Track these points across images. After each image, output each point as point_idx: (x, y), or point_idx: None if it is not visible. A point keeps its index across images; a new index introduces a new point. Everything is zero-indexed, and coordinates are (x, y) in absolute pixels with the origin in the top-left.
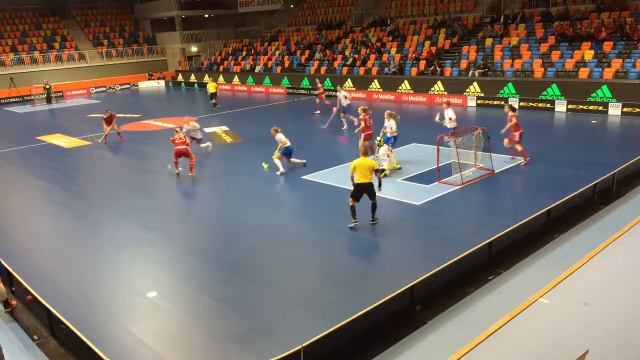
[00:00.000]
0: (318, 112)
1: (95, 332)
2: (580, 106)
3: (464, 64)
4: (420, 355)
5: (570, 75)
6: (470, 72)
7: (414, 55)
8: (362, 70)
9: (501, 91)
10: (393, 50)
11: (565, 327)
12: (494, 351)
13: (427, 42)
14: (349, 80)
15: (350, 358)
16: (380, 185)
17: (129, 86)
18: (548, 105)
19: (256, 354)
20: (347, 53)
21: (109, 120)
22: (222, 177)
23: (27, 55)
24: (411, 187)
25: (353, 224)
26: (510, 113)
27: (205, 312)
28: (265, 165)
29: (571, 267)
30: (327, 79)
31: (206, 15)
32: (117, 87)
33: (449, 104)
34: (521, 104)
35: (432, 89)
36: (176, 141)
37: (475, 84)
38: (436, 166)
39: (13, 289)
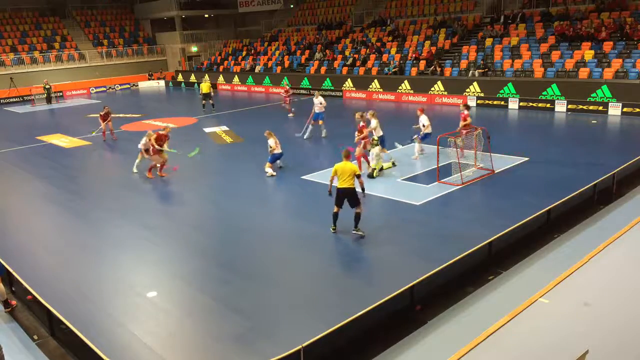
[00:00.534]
0: (291, 114)
1: (95, 332)
2: (580, 106)
3: (464, 64)
4: (420, 355)
5: (570, 75)
6: (470, 72)
7: (414, 55)
8: (362, 70)
9: (501, 91)
10: (393, 50)
11: (565, 327)
12: (494, 351)
13: (427, 42)
14: (349, 80)
15: (350, 358)
16: (363, 190)
17: (129, 86)
18: (548, 105)
19: (256, 354)
20: (347, 53)
21: (105, 117)
22: (222, 177)
23: (27, 55)
24: (411, 187)
25: (332, 229)
26: (466, 112)
27: (205, 312)
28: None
29: (571, 267)
30: (328, 78)
31: (206, 15)
32: (117, 87)
33: (422, 111)
34: (521, 104)
35: (432, 89)
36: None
37: (475, 84)
38: (436, 166)
39: (13, 289)
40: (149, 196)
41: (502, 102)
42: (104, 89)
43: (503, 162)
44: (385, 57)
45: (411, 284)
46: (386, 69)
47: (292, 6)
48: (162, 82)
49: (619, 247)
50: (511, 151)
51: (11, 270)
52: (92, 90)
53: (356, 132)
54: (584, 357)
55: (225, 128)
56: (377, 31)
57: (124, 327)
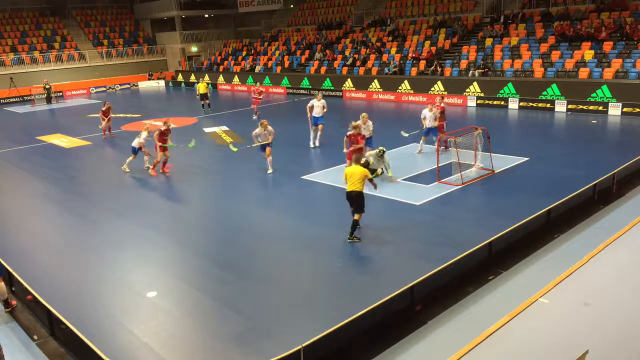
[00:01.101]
0: (255, 117)
1: (95, 332)
2: (580, 106)
3: (464, 64)
4: (420, 355)
5: (570, 75)
6: (470, 72)
7: (414, 55)
8: (362, 70)
9: (501, 91)
10: (393, 50)
11: (565, 327)
12: (494, 351)
13: (427, 42)
14: (349, 80)
15: (350, 358)
16: (375, 187)
17: (129, 86)
18: (548, 105)
19: (256, 354)
20: (347, 53)
21: (106, 113)
22: (222, 176)
23: (27, 55)
24: (411, 187)
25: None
26: (442, 104)
27: (205, 312)
28: (233, 149)
29: (571, 267)
30: (328, 78)
31: (206, 15)
32: (117, 87)
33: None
34: (521, 104)
35: (432, 89)
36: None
37: (475, 84)
38: (436, 166)
39: (13, 289)
40: (149, 196)
41: (502, 102)
42: (104, 89)
43: (503, 162)
44: (385, 57)
45: (411, 284)
46: (386, 69)
47: (292, 6)
48: (162, 82)
49: (619, 247)
50: (511, 151)
51: (11, 270)
52: (92, 90)
53: (346, 138)
54: (584, 357)
55: (225, 128)
56: (377, 31)
57: (124, 327)
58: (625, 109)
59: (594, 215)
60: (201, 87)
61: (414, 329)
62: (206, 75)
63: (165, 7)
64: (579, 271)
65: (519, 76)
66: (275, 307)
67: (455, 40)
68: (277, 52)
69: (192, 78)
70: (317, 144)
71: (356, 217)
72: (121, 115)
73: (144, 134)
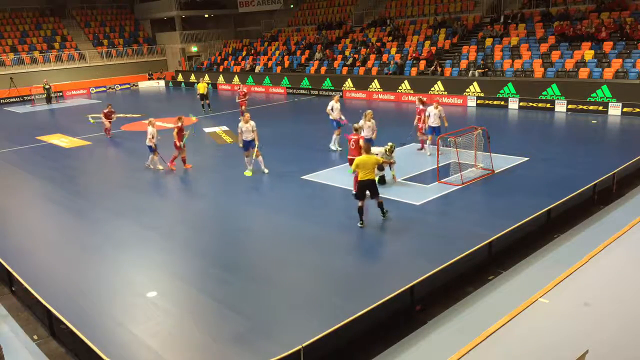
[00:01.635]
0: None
1: (95, 332)
2: (580, 106)
3: (464, 64)
4: (420, 355)
5: (570, 75)
6: (470, 72)
7: (414, 55)
8: (362, 70)
9: (501, 91)
10: (393, 50)
11: (565, 327)
12: (494, 351)
13: (427, 42)
14: (349, 80)
15: (350, 358)
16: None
17: (129, 86)
18: (548, 105)
19: (256, 353)
20: (347, 53)
21: (108, 115)
22: (222, 176)
23: (27, 55)
24: (411, 187)
25: (360, 224)
26: (421, 107)
27: (205, 312)
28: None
29: (571, 267)
30: (328, 78)
31: (206, 15)
32: (117, 87)
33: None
34: (521, 104)
35: (432, 89)
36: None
37: (475, 84)
38: (436, 166)
39: (13, 288)
40: (149, 196)
41: (502, 102)
42: (104, 89)
43: (503, 162)
44: (385, 57)
45: (411, 284)
46: (386, 69)
47: (292, 6)
48: (162, 82)
49: (619, 247)
50: (511, 151)
51: (11, 270)
52: (92, 90)
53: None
54: (583, 357)
55: (225, 128)
56: (377, 31)
57: (124, 327)
58: (625, 109)
59: (594, 215)
60: (201, 87)
61: (414, 329)
62: (206, 75)
63: (165, 7)
64: (579, 271)
65: (519, 76)
66: (275, 307)
67: (455, 40)
68: (277, 52)
69: (192, 78)
70: (338, 147)
71: (379, 199)
72: (121, 115)
73: (150, 129)
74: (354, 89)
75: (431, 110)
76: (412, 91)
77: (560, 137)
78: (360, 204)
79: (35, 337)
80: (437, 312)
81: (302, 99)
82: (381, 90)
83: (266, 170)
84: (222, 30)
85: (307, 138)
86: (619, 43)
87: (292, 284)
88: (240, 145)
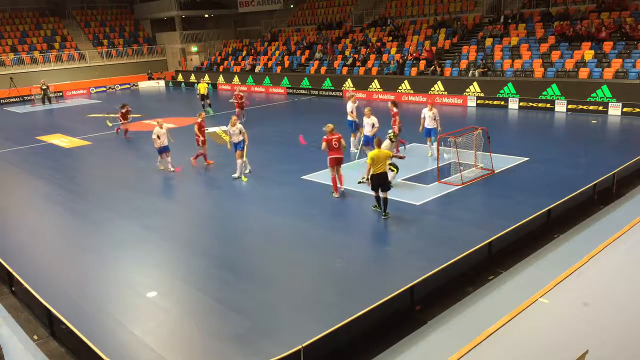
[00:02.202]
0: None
1: (95, 332)
2: (580, 106)
3: (464, 64)
4: (420, 355)
5: (570, 75)
6: (470, 72)
7: (414, 55)
8: (362, 70)
9: (501, 91)
10: (393, 50)
11: (565, 327)
12: (494, 351)
13: (427, 42)
14: (349, 80)
15: (350, 358)
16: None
17: (129, 86)
18: (548, 105)
19: (256, 353)
20: (347, 53)
21: (125, 115)
22: (221, 177)
23: (27, 55)
24: (411, 187)
25: (376, 207)
26: (395, 110)
27: (205, 312)
28: (244, 179)
29: (571, 267)
30: (328, 79)
31: (206, 15)
32: (117, 87)
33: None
34: (521, 104)
35: (432, 89)
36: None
37: (475, 84)
38: (436, 166)
39: (13, 289)
40: (149, 196)
41: (502, 102)
42: (104, 89)
43: (503, 162)
44: (385, 57)
45: (411, 284)
46: (386, 68)
47: (292, 6)
48: (162, 82)
49: (619, 247)
50: (511, 151)
51: (11, 270)
52: (92, 90)
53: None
54: (583, 357)
55: (225, 128)
56: (377, 31)
57: (124, 327)
58: (625, 109)
59: (594, 215)
60: (201, 88)
61: (414, 329)
62: (206, 75)
63: (165, 7)
64: (579, 271)
65: (519, 76)
66: (275, 307)
67: (455, 40)
68: (277, 52)
69: (192, 78)
70: (358, 149)
71: (386, 195)
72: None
73: (157, 129)
74: (354, 89)
75: (425, 112)
76: (412, 91)
77: (560, 137)
78: (375, 194)
79: (35, 337)
80: (437, 312)
81: (302, 99)
82: (381, 90)
83: (236, 175)
84: (222, 30)
85: (307, 138)
86: (619, 43)
87: (292, 284)
88: (229, 147)
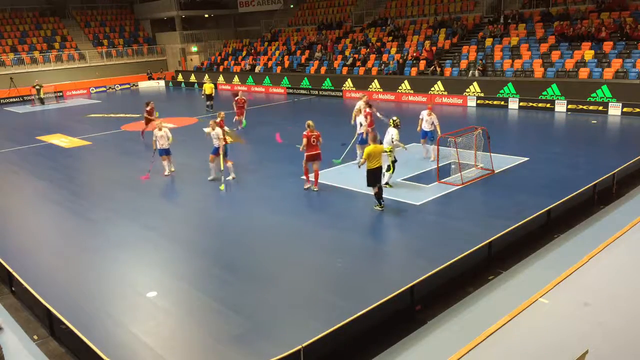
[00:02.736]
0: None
1: (95, 332)
2: (580, 106)
3: (464, 64)
4: (420, 355)
5: (570, 75)
6: (470, 72)
7: (414, 54)
8: (362, 70)
9: (501, 91)
10: (393, 50)
11: (565, 327)
12: (494, 351)
13: (427, 42)
14: (349, 80)
15: (350, 358)
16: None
17: (129, 86)
18: (548, 105)
19: (256, 353)
20: (347, 53)
21: (150, 112)
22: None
23: (27, 55)
24: (411, 187)
25: (379, 208)
26: (367, 109)
27: (205, 312)
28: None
29: (571, 267)
30: (328, 79)
31: (206, 15)
32: (117, 87)
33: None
34: (521, 104)
35: (432, 89)
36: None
37: (475, 84)
38: (436, 166)
39: (13, 289)
40: (149, 196)
41: (502, 102)
42: (104, 89)
43: (503, 162)
44: (385, 57)
45: (411, 284)
46: (385, 68)
47: (292, 6)
48: (162, 82)
49: (619, 247)
50: (511, 151)
51: (11, 270)
52: (92, 90)
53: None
54: (583, 357)
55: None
56: (377, 31)
57: (124, 327)
58: (625, 109)
59: (594, 215)
60: (207, 88)
61: (414, 329)
62: (206, 75)
63: (165, 7)
64: (579, 271)
65: (519, 76)
66: (275, 307)
67: (455, 40)
68: (277, 52)
69: (192, 78)
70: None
71: (380, 189)
72: (121, 115)
73: (157, 132)
74: (354, 89)
75: (424, 114)
76: (412, 91)
77: (560, 137)
78: (374, 190)
79: (35, 337)
80: (437, 312)
81: (301, 99)
82: (381, 90)
83: (221, 182)
84: (222, 30)
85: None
86: (619, 43)
87: (292, 284)
88: (243, 142)
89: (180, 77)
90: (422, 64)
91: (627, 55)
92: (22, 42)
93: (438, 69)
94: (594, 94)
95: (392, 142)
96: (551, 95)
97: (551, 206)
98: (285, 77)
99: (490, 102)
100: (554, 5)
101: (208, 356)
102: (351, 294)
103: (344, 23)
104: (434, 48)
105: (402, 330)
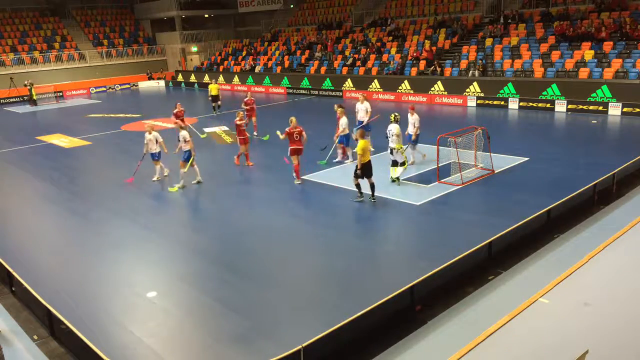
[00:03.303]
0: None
1: (95, 332)
2: (580, 106)
3: (464, 64)
4: (420, 355)
5: (570, 75)
6: (470, 72)
7: (414, 54)
8: (362, 70)
9: (501, 91)
10: (393, 50)
11: (565, 327)
12: (494, 351)
13: (427, 42)
14: (349, 80)
15: (350, 358)
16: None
17: (129, 86)
18: (548, 105)
19: (256, 353)
20: (347, 53)
21: (178, 115)
22: (221, 177)
23: (27, 55)
24: (411, 187)
25: (359, 199)
26: (339, 110)
27: (205, 312)
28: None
29: (571, 267)
30: (328, 79)
31: (206, 15)
32: (117, 87)
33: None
34: (521, 104)
35: (432, 89)
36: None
37: (475, 84)
38: (436, 166)
39: (13, 289)
40: (149, 197)
41: (502, 102)
42: (104, 89)
43: (503, 162)
44: (385, 57)
45: (411, 284)
46: (386, 68)
47: (292, 6)
48: (162, 82)
49: (619, 247)
50: (511, 151)
51: (11, 270)
52: (92, 90)
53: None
54: (583, 357)
55: (225, 128)
56: (377, 31)
57: (124, 327)
58: (625, 109)
59: (594, 215)
60: (213, 89)
61: (414, 329)
62: (206, 75)
63: (165, 7)
64: (579, 271)
65: (519, 76)
66: (276, 307)
67: (455, 40)
68: (277, 52)
69: (192, 78)
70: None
71: (372, 180)
72: (121, 115)
73: (147, 135)
74: (354, 89)
75: (408, 116)
76: (412, 91)
77: (560, 137)
78: (356, 181)
79: (35, 337)
80: (437, 312)
81: (301, 99)
82: (381, 90)
83: (178, 184)
84: (222, 30)
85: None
86: (619, 43)
87: (292, 284)
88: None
89: (180, 77)
90: (422, 64)
91: (627, 55)
92: (22, 42)
93: (438, 69)
94: (594, 94)
95: (391, 135)
96: (551, 95)
97: (551, 206)
98: (285, 77)
99: (490, 102)
100: (554, 5)
101: (208, 356)
102: (351, 294)
103: (344, 23)
104: (434, 48)
105: (402, 330)
